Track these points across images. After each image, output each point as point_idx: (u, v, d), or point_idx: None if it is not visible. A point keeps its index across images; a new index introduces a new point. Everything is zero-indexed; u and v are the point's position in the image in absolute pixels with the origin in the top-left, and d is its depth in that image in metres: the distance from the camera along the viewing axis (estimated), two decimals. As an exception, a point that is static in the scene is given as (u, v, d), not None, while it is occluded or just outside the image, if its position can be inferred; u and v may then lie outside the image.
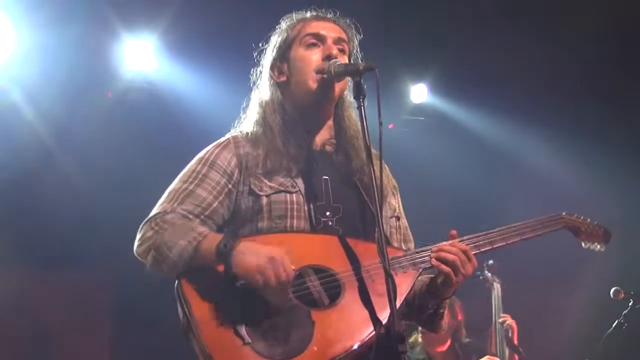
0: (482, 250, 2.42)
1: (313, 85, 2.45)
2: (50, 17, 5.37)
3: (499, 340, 5.23)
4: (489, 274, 5.37)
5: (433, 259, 2.34)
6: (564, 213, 2.69)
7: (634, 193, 6.58)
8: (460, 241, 2.39)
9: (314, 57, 2.48)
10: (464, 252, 2.34)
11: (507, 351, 5.22)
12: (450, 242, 2.38)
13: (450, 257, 2.32)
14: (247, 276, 2.13)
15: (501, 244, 2.47)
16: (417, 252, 2.38)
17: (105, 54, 5.90)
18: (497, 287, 5.37)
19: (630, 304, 5.34)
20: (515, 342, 5.29)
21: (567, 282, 7.15)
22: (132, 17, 5.78)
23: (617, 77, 6.50)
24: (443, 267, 2.32)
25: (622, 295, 5.24)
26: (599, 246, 2.80)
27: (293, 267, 2.19)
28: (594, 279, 6.67)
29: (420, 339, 5.29)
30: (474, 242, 2.41)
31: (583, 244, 2.78)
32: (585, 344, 6.12)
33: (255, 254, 2.14)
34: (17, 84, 5.72)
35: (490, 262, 5.34)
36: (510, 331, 5.26)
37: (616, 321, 5.40)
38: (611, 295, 5.26)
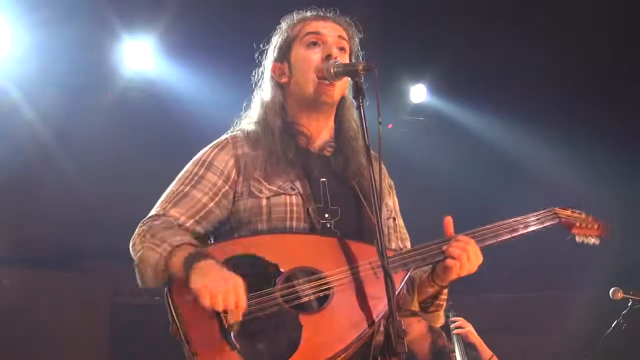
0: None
1: (312, 87, 2.45)
2: (49, 17, 5.36)
3: (455, 341, 5.20)
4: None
5: (443, 248, 2.33)
6: (557, 208, 2.64)
7: (634, 193, 6.59)
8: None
9: (314, 57, 2.47)
10: (472, 247, 2.33)
11: (462, 348, 5.18)
12: (457, 237, 2.36)
13: (457, 252, 2.31)
14: (198, 295, 2.09)
15: (493, 242, 2.43)
16: (408, 253, 2.36)
17: (104, 53, 5.90)
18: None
19: (629, 304, 5.34)
20: (472, 339, 5.20)
21: (567, 281, 7.15)
22: (131, 16, 5.78)
23: (617, 77, 6.51)
24: (449, 260, 2.31)
25: (621, 295, 5.23)
26: (593, 240, 2.73)
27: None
28: (594, 279, 6.68)
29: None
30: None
31: (577, 238, 2.71)
32: (584, 344, 6.13)
33: (208, 275, 2.09)
34: (16, 84, 5.72)
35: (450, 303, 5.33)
36: (465, 337, 5.22)
37: (615, 321, 5.40)
38: (610, 295, 5.25)
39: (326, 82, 2.43)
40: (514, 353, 5.61)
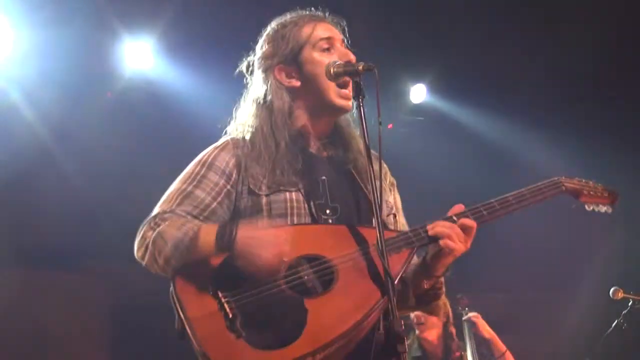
0: (482, 220, 2.37)
1: (333, 93, 2.46)
2: (49, 17, 5.37)
3: (467, 337, 5.24)
4: (459, 308, 5.44)
5: (431, 230, 2.31)
6: (562, 177, 2.62)
7: (634, 193, 6.58)
8: (458, 215, 2.36)
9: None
10: (459, 227, 2.32)
11: (474, 346, 5.23)
12: (444, 219, 2.35)
13: (446, 231, 2.30)
14: (247, 264, 2.16)
15: (499, 213, 2.41)
16: (411, 231, 2.36)
17: (104, 53, 5.90)
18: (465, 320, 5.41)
19: (629, 304, 5.34)
20: (485, 334, 5.25)
21: (567, 281, 7.15)
22: (131, 17, 5.78)
23: (616, 77, 6.51)
24: (445, 241, 2.29)
25: (621, 294, 5.24)
26: (604, 208, 2.69)
27: (286, 259, 2.20)
28: (594, 279, 6.68)
29: (417, 332, 5.30)
30: (474, 213, 2.37)
31: (587, 207, 2.67)
32: (585, 344, 6.13)
33: (259, 246, 2.16)
34: (16, 84, 5.73)
35: (459, 295, 5.39)
36: (474, 325, 5.26)
37: (615, 321, 5.40)
38: (610, 295, 5.25)
39: (345, 90, 2.44)
40: (514, 353, 5.61)
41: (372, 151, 2.29)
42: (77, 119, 5.93)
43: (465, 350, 5.27)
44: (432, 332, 5.27)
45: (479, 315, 5.31)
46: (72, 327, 6.26)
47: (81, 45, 5.62)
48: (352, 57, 2.46)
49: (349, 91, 2.44)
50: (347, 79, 2.41)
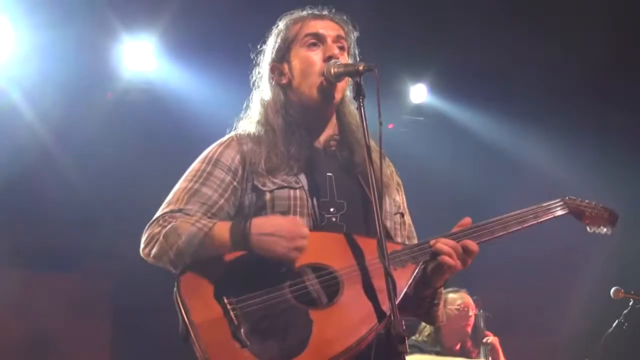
0: (482, 240, 2.37)
1: (316, 88, 2.44)
2: (49, 18, 5.37)
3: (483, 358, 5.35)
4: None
5: (433, 245, 2.32)
6: (566, 197, 2.61)
7: (634, 192, 6.58)
8: (462, 232, 2.36)
9: (315, 57, 2.46)
10: (460, 247, 2.33)
11: None
12: (447, 236, 2.35)
13: (446, 249, 2.30)
14: (263, 250, 2.20)
15: (502, 233, 2.41)
16: (416, 246, 2.36)
17: (104, 54, 5.90)
18: (479, 316, 5.46)
19: (630, 303, 5.34)
20: (500, 358, 5.38)
21: (568, 281, 7.15)
22: (131, 17, 5.78)
23: (617, 77, 6.51)
24: (444, 257, 2.30)
25: (622, 294, 5.24)
26: (605, 229, 2.69)
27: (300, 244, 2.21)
28: (595, 279, 6.68)
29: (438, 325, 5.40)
30: (474, 233, 2.37)
31: (588, 229, 2.67)
32: (585, 344, 6.13)
33: (276, 236, 2.19)
34: (16, 85, 5.73)
35: (474, 297, 5.46)
36: (494, 349, 5.36)
37: (616, 321, 5.41)
38: (611, 295, 5.26)
39: (329, 83, 2.42)
40: (515, 353, 5.61)
41: (375, 146, 2.29)
42: (78, 119, 5.93)
43: (477, 349, 5.37)
44: (452, 328, 5.33)
45: (498, 340, 5.40)
46: (72, 327, 6.26)
47: (82, 45, 5.62)
48: (336, 52, 2.44)
49: (332, 84, 2.42)
50: (340, 78, 2.40)
